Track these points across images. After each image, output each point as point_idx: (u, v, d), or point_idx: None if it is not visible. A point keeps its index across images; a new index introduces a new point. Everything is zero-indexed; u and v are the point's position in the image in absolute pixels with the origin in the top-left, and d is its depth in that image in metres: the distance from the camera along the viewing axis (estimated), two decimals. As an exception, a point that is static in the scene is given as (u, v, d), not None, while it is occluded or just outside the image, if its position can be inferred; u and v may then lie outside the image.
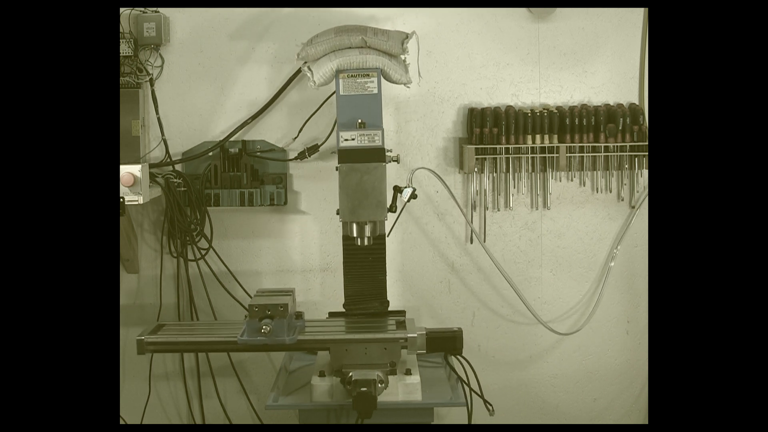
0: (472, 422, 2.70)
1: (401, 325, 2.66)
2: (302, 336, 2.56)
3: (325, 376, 2.55)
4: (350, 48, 2.67)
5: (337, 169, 2.60)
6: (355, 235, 2.66)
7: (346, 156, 2.59)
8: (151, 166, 3.05)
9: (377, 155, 2.59)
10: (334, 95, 2.73)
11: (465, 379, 2.69)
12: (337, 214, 2.63)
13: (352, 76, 2.63)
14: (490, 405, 2.71)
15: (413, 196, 2.80)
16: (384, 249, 2.77)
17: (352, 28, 2.72)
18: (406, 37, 2.72)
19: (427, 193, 3.22)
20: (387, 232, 2.75)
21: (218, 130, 3.17)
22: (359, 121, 2.61)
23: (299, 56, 2.73)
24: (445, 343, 2.63)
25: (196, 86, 3.17)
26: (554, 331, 3.22)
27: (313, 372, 2.61)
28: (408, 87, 2.78)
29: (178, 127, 3.17)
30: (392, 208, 2.70)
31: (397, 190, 2.79)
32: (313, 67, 2.69)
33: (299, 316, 2.66)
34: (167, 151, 3.15)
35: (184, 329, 2.78)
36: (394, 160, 2.69)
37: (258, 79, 3.16)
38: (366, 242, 2.66)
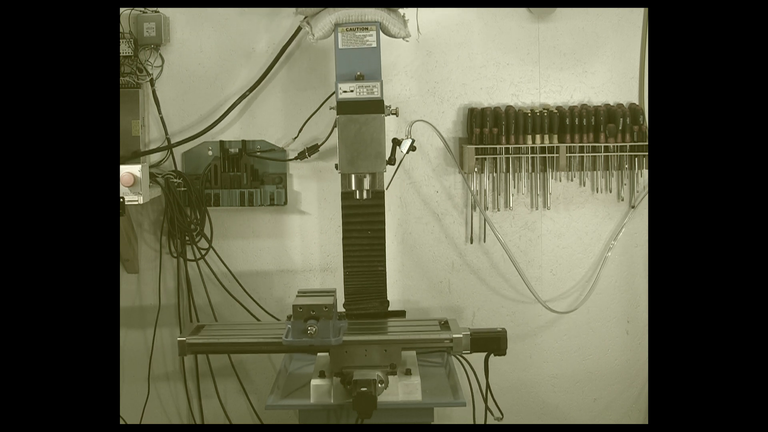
0: (472, 421, 2.71)
1: (445, 326, 2.65)
2: (346, 336, 2.53)
3: (325, 377, 2.55)
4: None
5: (335, 126, 2.58)
6: (353, 187, 2.64)
7: (345, 107, 2.59)
8: (148, 159, 3.05)
9: (376, 106, 2.58)
10: (334, 95, 2.73)
11: (466, 379, 2.68)
12: (336, 168, 2.61)
13: (350, 29, 2.63)
14: (500, 413, 2.70)
15: (412, 147, 2.78)
16: (383, 207, 2.73)
17: None
18: None
19: (427, 193, 3.22)
20: (386, 185, 2.73)
21: (218, 129, 3.17)
22: (358, 73, 2.60)
23: (297, 11, 2.72)
24: (490, 344, 2.59)
25: (196, 86, 3.17)
26: (552, 309, 3.21)
27: (313, 372, 2.61)
28: (407, 41, 2.78)
29: (178, 127, 3.17)
30: (391, 161, 2.69)
31: (396, 142, 2.78)
32: (311, 21, 2.69)
33: (341, 316, 2.60)
34: (170, 151, 3.15)
35: (224, 330, 2.75)
36: (393, 113, 2.68)
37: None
38: (365, 195, 2.64)
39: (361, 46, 2.63)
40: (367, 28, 2.62)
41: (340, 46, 2.63)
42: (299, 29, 3.00)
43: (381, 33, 2.66)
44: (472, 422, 2.73)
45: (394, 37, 2.71)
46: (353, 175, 2.63)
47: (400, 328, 2.69)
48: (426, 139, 3.20)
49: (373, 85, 2.59)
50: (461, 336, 2.54)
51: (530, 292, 3.23)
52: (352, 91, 2.58)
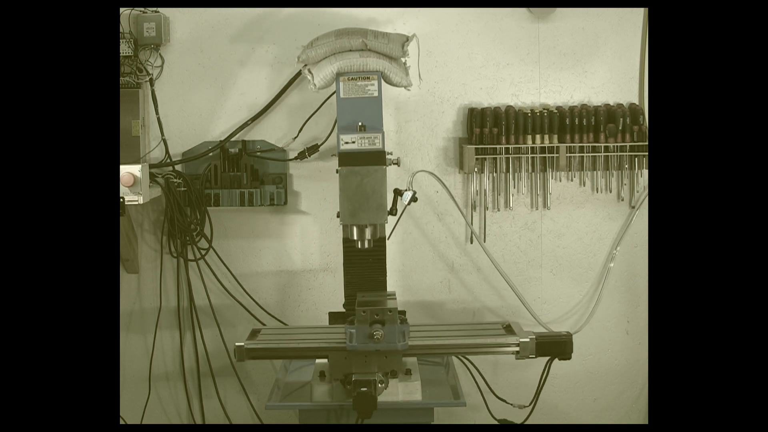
0: (478, 420, 2.71)
1: (509, 329, 2.63)
2: (411, 341, 2.51)
3: (325, 377, 2.55)
4: (351, 51, 2.67)
5: (337, 172, 2.60)
6: (355, 238, 2.64)
7: (347, 159, 2.58)
8: (151, 166, 3.06)
9: (378, 158, 2.58)
10: (334, 95, 2.73)
11: (471, 379, 2.68)
12: (338, 216, 2.62)
13: (352, 79, 2.63)
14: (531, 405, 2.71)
15: (413, 199, 2.79)
16: (384, 251, 2.76)
17: (352, 30, 2.72)
18: (407, 39, 2.72)
19: (427, 194, 3.22)
20: (387, 235, 2.74)
21: (218, 130, 3.17)
22: (359, 124, 2.61)
23: (299, 59, 2.73)
24: (555, 348, 2.57)
25: (196, 86, 3.17)
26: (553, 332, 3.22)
27: (313, 372, 2.61)
28: (408, 89, 2.78)
29: (178, 127, 3.18)
30: (392, 211, 2.70)
31: (398, 193, 2.78)
32: (313, 69, 2.69)
33: (403, 320, 2.56)
34: (167, 151, 3.15)
35: (281, 335, 2.73)
36: (394, 163, 2.69)
37: (258, 79, 3.16)
38: (366, 245, 2.65)
39: (363, 96, 2.63)
40: (368, 78, 2.63)
41: (341, 96, 2.64)
42: (299, 73, 3.01)
43: (383, 82, 2.66)
44: (475, 420, 2.73)
45: (396, 85, 2.72)
46: (355, 226, 2.63)
47: (463, 332, 2.67)
48: (426, 139, 3.21)
49: (375, 136, 2.58)
50: (528, 340, 2.53)
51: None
52: (353, 142, 2.58)
